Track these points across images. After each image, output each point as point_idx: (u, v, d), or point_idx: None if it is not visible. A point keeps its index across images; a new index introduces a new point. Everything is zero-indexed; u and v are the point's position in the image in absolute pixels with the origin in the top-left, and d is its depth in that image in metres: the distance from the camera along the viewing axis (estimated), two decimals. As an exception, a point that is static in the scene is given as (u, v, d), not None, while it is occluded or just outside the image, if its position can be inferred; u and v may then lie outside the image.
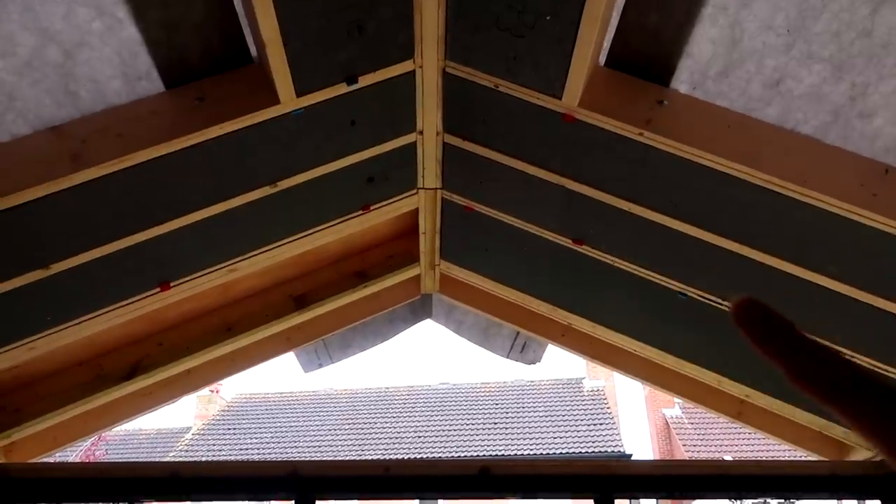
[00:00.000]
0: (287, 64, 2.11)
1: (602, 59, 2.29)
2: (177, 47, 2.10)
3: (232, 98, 2.21)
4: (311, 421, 21.51)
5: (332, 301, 3.42)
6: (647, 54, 2.21)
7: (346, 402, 22.76)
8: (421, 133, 2.71)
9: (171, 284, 2.67)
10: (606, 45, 2.25)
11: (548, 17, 2.04)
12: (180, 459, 18.51)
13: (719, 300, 2.71)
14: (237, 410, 23.05)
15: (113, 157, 2.06)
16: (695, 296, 2.76)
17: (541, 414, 20.01)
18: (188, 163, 2.22)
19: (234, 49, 2.23)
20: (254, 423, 21.81)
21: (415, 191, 3.06)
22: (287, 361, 3.88)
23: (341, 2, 2.04)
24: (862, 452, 3.11)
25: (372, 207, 2.98)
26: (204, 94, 2.20)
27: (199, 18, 2.06)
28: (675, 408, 23.51)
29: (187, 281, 2.71)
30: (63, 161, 2.04)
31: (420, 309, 4.04)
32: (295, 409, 22.67)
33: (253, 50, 2.25)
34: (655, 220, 2.50)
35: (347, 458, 17.98)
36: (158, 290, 2.65)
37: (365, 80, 2.33)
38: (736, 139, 2.15)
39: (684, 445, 21.29)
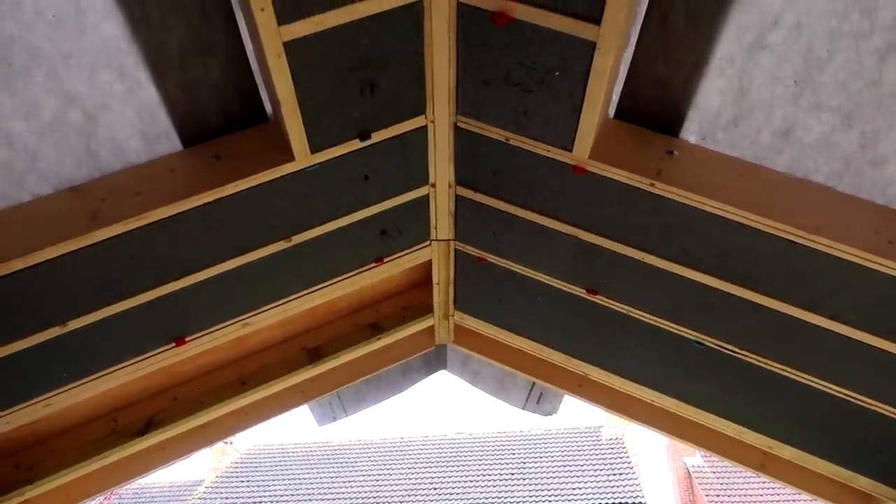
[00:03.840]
0: (301, 122, 2.15)
1: (611, 111, 2.32)
2: (195, 107, 2.15)
3: (248, 155, 2.25)
4: (325, 473, 21.17)
5: (346, 353, 3.41)
6: (656, 106, 2.23)
7: (361, 452, 22.42)
8: (433, 186, 2.74)
9: (187, 339, 2.67)
10: (615, 97, 2.28)
11: (556, 73, 2.07)
12: (193, 514, 18.23)
13: (736, 349, 2.67)
14: (250, 462, 22.77)
15: (131, 215, 2.10)
16: (711, 344, 2.73)
17: (559, 464, 19.59)
18: (205, 219, 2.25)
19: (250, 107, 2.28)
20: (267, 476, 21.50)
21: (428, 242, 3.07)
22: (301, 411, 3.86)
23: (354, 61, 2.09)
24: (890, 505, 3.02)
25: (385, 260, 3.00)
26: (220, 151, 2.24)
27: (217, 79, 2.12)
28: (696, 456, 22.95)
29: (202, 336, 2.72)
30: (82, 219, 2.08)
31: (434, 360, 4.02)
32: (309, 460, 22.35)
33: (268, 108, 2.31)
34: (669, 269, 2.49)
35: (362, 511, 17.63)
36: (174, 345, 2.65)
37: (378, 136, 2.37)
38: (747, 188, 2.15)
39: (707, 496, 20.70)
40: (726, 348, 2.70)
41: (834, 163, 2.08)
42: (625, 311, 2.85)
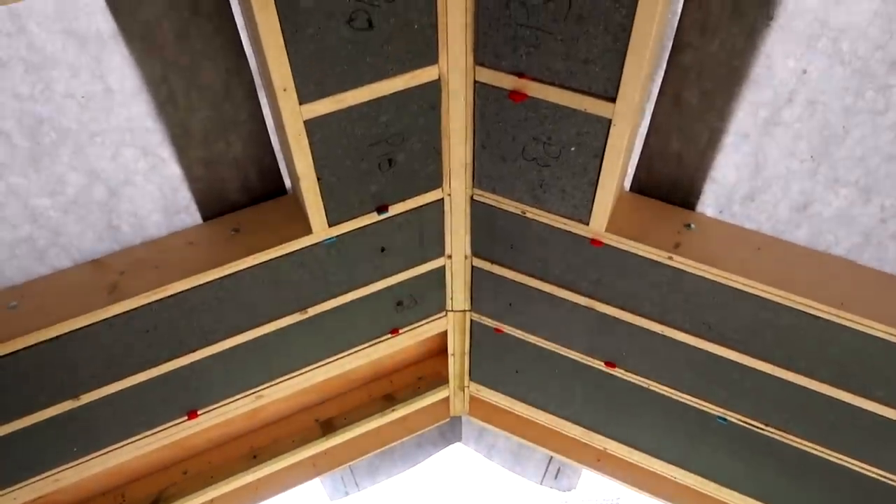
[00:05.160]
0: (320, 196, 2.18)
1: (627, 185, 2.33)
2: (215, 182, 2.19)
3: (266, 229, 2.27)
4: (334, 546, 20.53)
5: (359, 425, 3.34)
6: (672, 180, 2.24)
7: (372, 525, 21.79)
8: (450, 257, 2.74)
9: (199, 412, 2.64)
10: (631, 171, 2.30)
11: (572, 148, 2.09)
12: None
13: (761, 425, 2.59)
14: (259, 534, 22.14)
15: (149, 289, 2.10)
16: (735, 420, 2.65)
17: (576, 538, 18.91)
18: (221, 292, 2.26)
19: (270, 181, 2.32)
20: (275, 549, 20.87)
21: (444, 313, 3.05)
22: (311, 484, 3.78)
23: (373, 137, 2.13)
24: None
25: (401, 331, 2.98)
26: (239, 225, 2.27)
27: (238, 154, 2.16)
28: (719, 531, 22.07)
29: (215, 409, 2.68)
30: (100, 293, 2.08)
31: (449, 432, 3.93)
32: (318, 533, 21.72)
33: (287, 182, 2.34)
34: (689, 342, 2.45)
35: (372, 587, 16.96)
36: (186, 418, 2.62)
37: (395, 209, 2.39)
38: (767, 262, 2.13)
39: (732, 574, 19.79)
40: (751, 424, 2.62)
41: (854, 236, 2.07)
42: (645, 385, 2.79)
